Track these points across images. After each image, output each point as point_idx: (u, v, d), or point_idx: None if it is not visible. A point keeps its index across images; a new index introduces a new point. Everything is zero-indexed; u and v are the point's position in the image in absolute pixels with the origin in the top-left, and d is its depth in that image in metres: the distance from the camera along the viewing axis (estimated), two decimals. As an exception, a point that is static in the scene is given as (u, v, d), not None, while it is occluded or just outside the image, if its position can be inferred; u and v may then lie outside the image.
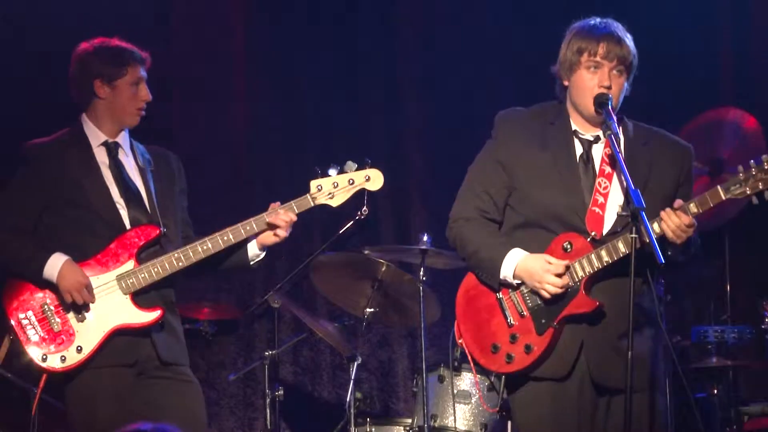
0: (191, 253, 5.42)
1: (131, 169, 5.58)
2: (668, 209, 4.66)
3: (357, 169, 5.51)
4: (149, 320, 5.39)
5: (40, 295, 5.38)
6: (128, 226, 5.46)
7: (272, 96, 8.53)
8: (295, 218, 5.45)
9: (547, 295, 4.76)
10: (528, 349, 4.80)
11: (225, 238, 5.43)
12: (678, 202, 4.67)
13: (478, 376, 6.81)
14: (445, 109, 8.37)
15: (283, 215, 5.41)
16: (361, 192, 5.54)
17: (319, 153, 8.50)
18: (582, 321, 4.77)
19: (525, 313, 4.84)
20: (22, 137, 5.61)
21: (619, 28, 4.88)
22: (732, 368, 7.30)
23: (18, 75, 7.72)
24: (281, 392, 7.25)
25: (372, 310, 7.00)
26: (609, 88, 4.81)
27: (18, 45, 7.75)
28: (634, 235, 4.56)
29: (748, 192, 4.60)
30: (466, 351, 4.99)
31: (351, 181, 5.49)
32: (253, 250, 5.57)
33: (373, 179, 5.52)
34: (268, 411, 7.27)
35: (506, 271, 4.83)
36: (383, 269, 6.93)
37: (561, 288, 4.73)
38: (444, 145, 8.36)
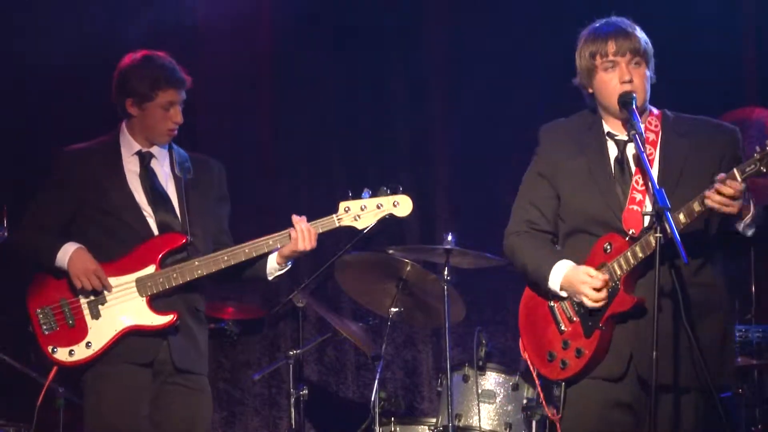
0: (212, 263, 5.50)
1: (164, 178, 5.66)
2: (707, 192, 4.62)
3: (388, 194, 5.58)
4: (161, 323, 5.46)
5: (60, 291, 5.49)
6: (156, 233, 5.54)
7: (297, 97, 8.54)
8: (315, 235, 5.52)
9: (589, 305, 4.80)
10: (579, 353, 4.84)
11: (247, 250, 5.52)
12: (721, 176, 4.62)
13: (503, 376, 6.88)
14: (470, 109, 8.36)
15: (306, 230, 5.49)
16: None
17: (344, 154, 8.52)
18: (629, 319, 4.80)
19: (574, 318, 4.88)
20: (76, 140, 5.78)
21: (624, 22, 4.90)
22: (757, 367, 7.27)
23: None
24: (306, 392, 7.26)
25: (397, 309, 7.00)
26: (631, 81, 4.83)
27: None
28: (658, 235, 4.57)
29: (764, 170, 4.56)
30: (529, 363, 5.03)
31: (379, 206, 5.57)
32: (272, 264, 5.64)
33: (402, 205, 5.58)
34: (292, 410, 7.28)
35: (554, 284, 4.89)
36: (408, 269, 6.94)
37: (599, 301, 4.77)
38: (469, 145, 8.35)
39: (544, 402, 5.01)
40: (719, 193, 4.58)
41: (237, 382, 8.48)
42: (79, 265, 5.42)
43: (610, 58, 4.84)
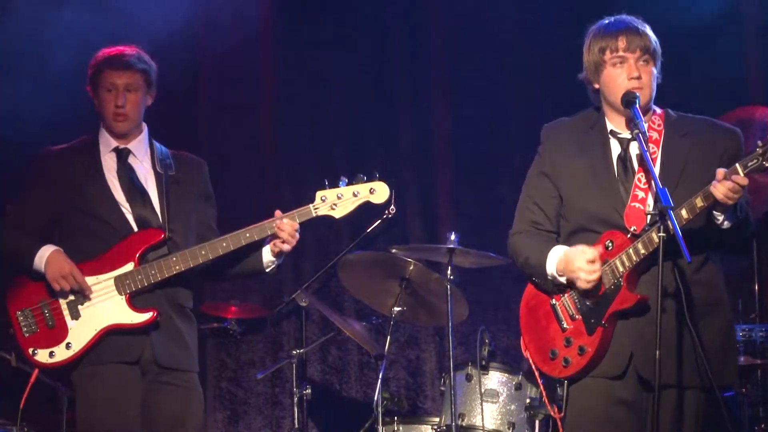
0: (189, 258, 5.44)
1: (143, 173, 5.63)
2: (714, 182, 4.59)
3: (364, 182, 5.50)
4: (140, 321, 5.42)
5: (39, 292, 5.47)
6: (135, 228, 5.51)
7: (299, 96, 8.55)
8: (297, 226, 5.46)
9: (584, 285, 4.79)
10: (581, 350, 4.84)
11: (224, 245, 5.45)
12: (720, 172, 4.60)
13: (506, 375, 6.88)
14: (474, 108, 8.37)
15: (285, 224, 5.43)
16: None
17: (346, 153, 8.52)
18: (631, 317, 4.80)
19: (576, 316, 4.89)
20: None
21: (635, 20, 4.92)
22: (760, 367, 7.27)
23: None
24: (309, 391, 7.27)
25: (400, 308, 6.99)
26: (639, 78, 4.84)
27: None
28: (662, 234, 4.56)
29: (766, 164, 4.55)
30: (531, 362, 5.03)
31: (355, 194, 5.49)
32: (267, 257, 5.59)
33: (378, 192, 5.50)
34: (295, 410, 7.29)
35: (551, 269, 4.90)
36: (411, 268, 6.94)
37: (594, 273, 4.76)
38: (472, 144, 8.36)
39: (546, 400, 5.01)
40: (724, 185, 4.57)
41: (240, 382, 8.48)
42: (55, 268, 5.40)
43: (620, 53, 4.85)
